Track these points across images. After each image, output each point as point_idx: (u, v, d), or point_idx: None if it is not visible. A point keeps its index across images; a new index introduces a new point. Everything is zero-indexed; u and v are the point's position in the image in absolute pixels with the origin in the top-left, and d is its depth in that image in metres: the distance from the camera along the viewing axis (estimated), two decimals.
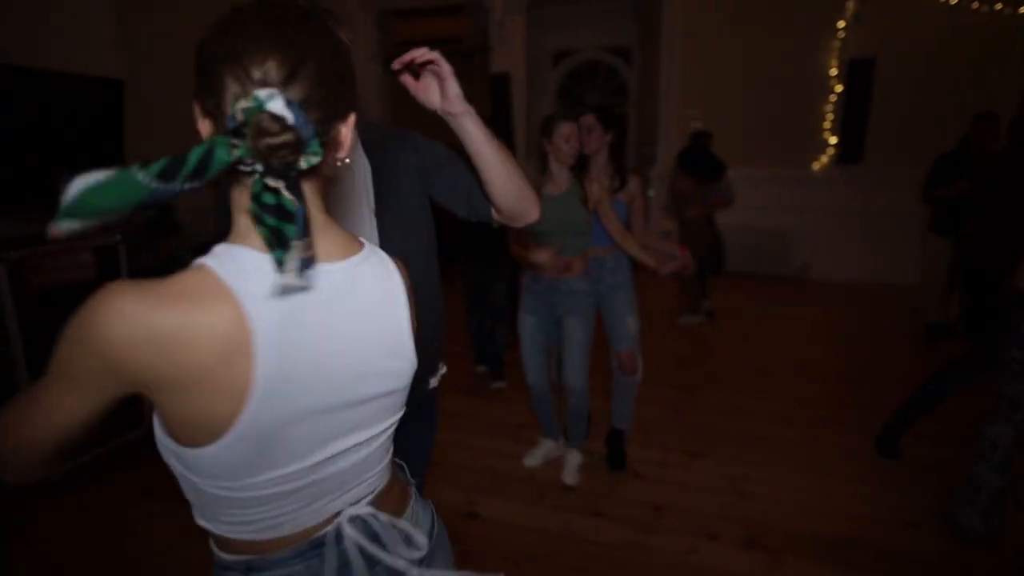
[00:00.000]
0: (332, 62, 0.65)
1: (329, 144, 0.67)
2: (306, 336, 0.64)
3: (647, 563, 2.07)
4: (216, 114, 0.61)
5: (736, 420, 3.11)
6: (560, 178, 2.36)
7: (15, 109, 3.54)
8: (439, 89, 1.04)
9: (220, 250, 0.64)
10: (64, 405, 0.61)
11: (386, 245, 1.14)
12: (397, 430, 0.84)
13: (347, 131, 0.71)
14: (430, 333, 1.22)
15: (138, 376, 0.58)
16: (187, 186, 0.54)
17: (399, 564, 0.75)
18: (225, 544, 0.72)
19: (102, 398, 0.61)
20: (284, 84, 0.60)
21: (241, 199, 0.65)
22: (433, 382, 1.45)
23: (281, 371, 0.62)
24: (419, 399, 1.31)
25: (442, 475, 2.62)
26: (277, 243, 0.57)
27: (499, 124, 6.85)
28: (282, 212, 0.57)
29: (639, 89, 7.32)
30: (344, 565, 0.73)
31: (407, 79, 1.07)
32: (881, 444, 2.69)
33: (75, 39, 4.97)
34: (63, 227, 0.52)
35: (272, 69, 0.59)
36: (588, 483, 2.58)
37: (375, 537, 0.75)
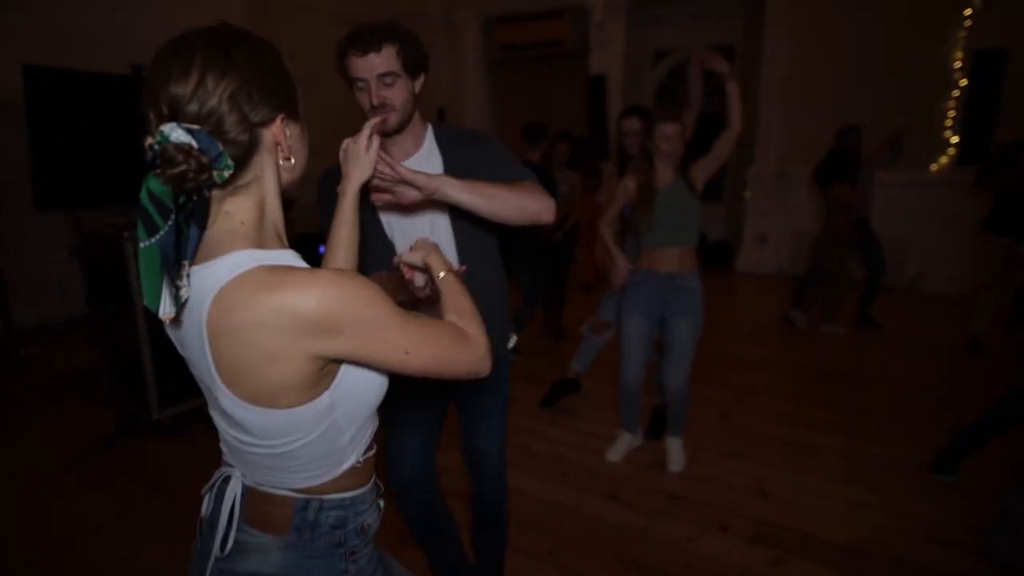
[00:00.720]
0: (239, 76, 0.70)
1: (253, 152, 0.74)
2: None
3: (647, 544, 2.16)
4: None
5: (785, 426, 3.05)
6: (664, 172, 2.48)
7: (128, 112, 4.21)
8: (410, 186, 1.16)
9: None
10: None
11: (461, 240, 1.43)
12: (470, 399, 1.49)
13: (278, 133, 0.76)
14: (496, 316, 1.43)
15: None
16: (176, 220, 0.65)
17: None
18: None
19: None
20: (184, 112, 0.67)
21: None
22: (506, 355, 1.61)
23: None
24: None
25: None
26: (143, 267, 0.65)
27: (594, 125, 6.98)
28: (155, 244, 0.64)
29: (741, 87, 7.10)
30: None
31: (386, 198, 1.20)
32: (941, 459, 2.54)
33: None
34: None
35: (172, 100, 0.67)
36: (610, 469, 2.69)
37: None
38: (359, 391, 0.81)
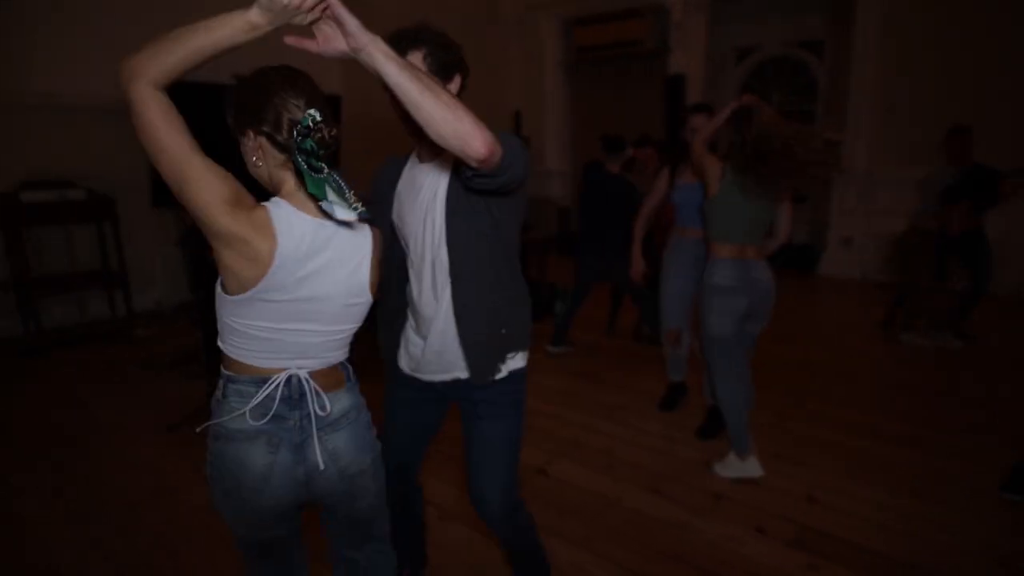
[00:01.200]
0: (323, 97, 1.12)
1: None
2: (307, 259, 1.11)
3: (683, 539, 2.20)
4: (274, 132, 1.08)
5: (849, 435, 2.96)
6: None
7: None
8: (340, 32, 0.99)
9: (276, 200, 1.12)
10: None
11: (449, 232, 1.37)
12: (474, 423, 1.49)
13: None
14: (493, 320, 1.44)
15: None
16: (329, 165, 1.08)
17: (309, 410, 1.17)
18: (224, 360, 1.19)
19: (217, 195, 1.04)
20: (312, 107, 1.07)
21: (286, 175, 1.13)
22: (503, 370, 1.49)
23: (285, 271, 1.08)
24: (485, 386, 1.48)
25: (527, 437, 2.97)
26: (324, 194, 1.04)
27: (671, 126, 6.91)
28: (327, 177, 1.06)
29: (829, 86, 6.80)
30: (285, 397, 1.16)
31: (306, 43, 1.05)
32: (1013, 478, 2.40)
33: (310, 62, 6.16)
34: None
35: (304, 103, 1.08)
36: (658, 463, 2.73)
37: (302, 393, 1.18)
38: None
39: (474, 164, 1.10)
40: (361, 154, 6.58)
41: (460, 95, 1.37)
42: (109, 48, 4.73)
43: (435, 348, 1.49)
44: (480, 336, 1.45)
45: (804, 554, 2.10)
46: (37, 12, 4.44)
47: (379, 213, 1.50)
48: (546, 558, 1.80)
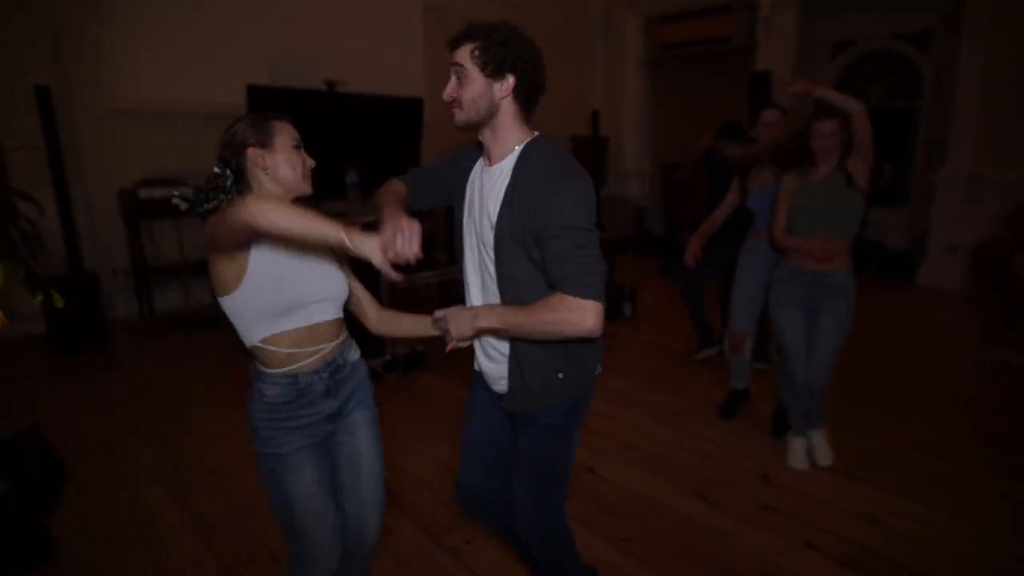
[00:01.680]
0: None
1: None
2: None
3: (726, 547, 2.17)
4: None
5: (927, 455, 2.78)
6: (822, 166, 2.53)
7: (340, 124, 4.92)
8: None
9: None
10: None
11: (498, 254, 1.34)
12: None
13: (255, 156, 1.33)
14: (541, 360, 1.38)
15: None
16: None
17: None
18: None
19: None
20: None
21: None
22: (511, 405, 1.45)
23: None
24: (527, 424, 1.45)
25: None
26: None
27: (756, 124, 6.65)
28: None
29: (935, 80, 6.30)
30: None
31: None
32: None
33: (395, 66, 6.44)
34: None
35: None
36: (709, 470, 2.69)
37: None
38: None
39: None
40: (443, 149, 6.85)
41: (521, 99, 1.35)
42: (208, 62, 5.21)
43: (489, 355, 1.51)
44: (530, 366, 1.40)
45: (857, 574, 2.02)
46: (151, 31, 4.96)
47: (442, 194, 1.57)
48: None
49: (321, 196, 4.34)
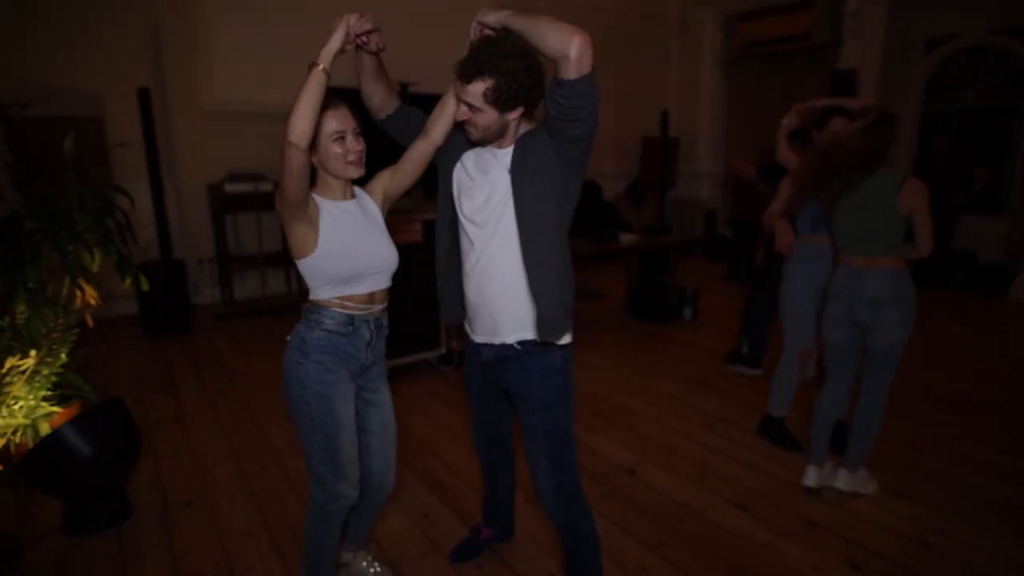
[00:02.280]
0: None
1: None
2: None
3: (763, 560, 2.12)
4: None
5: (989, 479, 2.61)
6: None
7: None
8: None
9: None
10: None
11: (519, 215, 1.50)
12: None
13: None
14: (561, 280, 1.54)
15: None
16: None
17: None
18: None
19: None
20: None
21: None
22: (560, 339, 1.60)
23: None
24: (536, 348, 1.60)
25: (622, 436, 3.02)
26: None
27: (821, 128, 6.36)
28: None
29: None
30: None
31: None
32: None
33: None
34: None
35: None
36: (752, 480, 2.63)
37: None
38: None
39: (566, 60, 1.30)
40: None
41: (529, 113, 1.52)
42: (289, 64, 5.50)
43: (490, 310, 1.62)
44: (551, 289, 1.54)
45: None
46: (238, 35, 5.31)
47: (444, 164, 1.71)
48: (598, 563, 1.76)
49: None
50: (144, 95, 4.49)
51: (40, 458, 2.16)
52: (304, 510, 2.38)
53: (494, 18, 1.44)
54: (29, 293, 2.33)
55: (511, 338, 1.62)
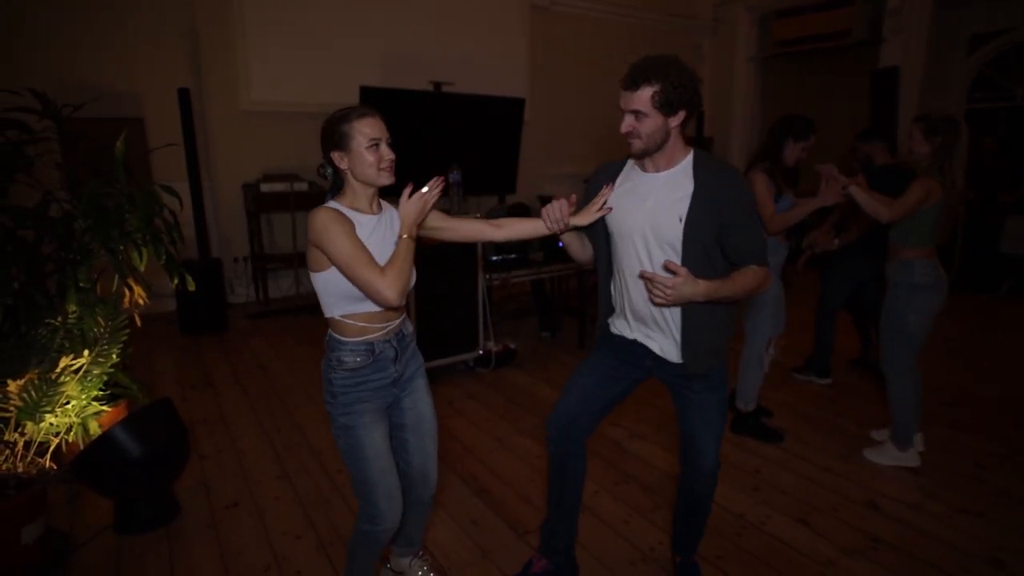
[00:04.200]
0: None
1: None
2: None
3: None
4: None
5: None
6: None
7: (444, 123, 5.06)
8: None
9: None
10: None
11: (686, 247, 1.58)
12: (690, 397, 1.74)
13: (336, 159, 1.51)
14: (707, 328, 1.65)
15: None
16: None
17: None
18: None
19: None
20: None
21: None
22: (699, 368, 1.69)
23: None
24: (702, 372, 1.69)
25: (671, 443, 2.94)
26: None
27: (879, 125, 6.20)
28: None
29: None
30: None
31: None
32: None
33: (500, 67, 6.54)
34: None
35: None
36: (810, 493, 2.54)
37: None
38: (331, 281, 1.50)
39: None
40: (540, 148, 6.90)
41: (686, 122, 1.58)
42: (325, 65, 5.51)
43: (645, 331, 1.74)
44: (700, 338, 1.66)
45: None
46: (276, 38, 5.32)
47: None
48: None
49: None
50: (184, 95, 4.52)
51: (93, 458, 2.15)
52: (349, 515, 2.36)
53: (702, 290, 1.52)
54: (80, 292, 2.33)
55: None
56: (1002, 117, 6.44)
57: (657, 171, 1.64)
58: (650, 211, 1.61)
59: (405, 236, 1.49)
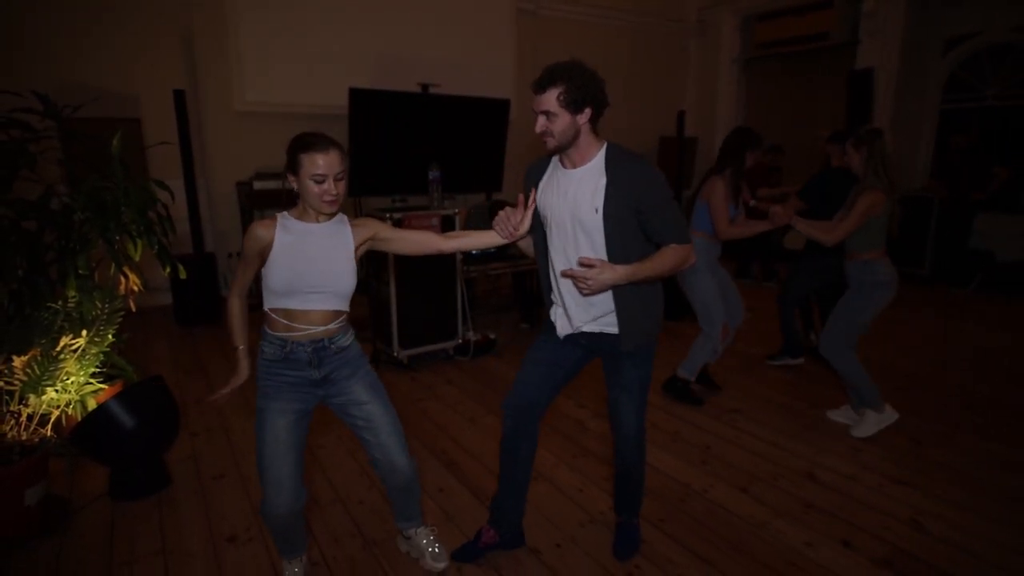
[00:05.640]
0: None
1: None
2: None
3: (758, 536, 2.24)
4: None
5: (991, 469, 2.68)
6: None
7: (432, 124, 5.25)
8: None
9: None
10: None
11: (608, 235, 1.73)
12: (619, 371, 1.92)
13: (290, 178, 1.66)
14: (637, 309, 1.83)
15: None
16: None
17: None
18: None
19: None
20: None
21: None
22: (629, 346, 1.86)
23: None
24: (618, 350, 1.87)
25: None
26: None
27: (855, 125, 6.39)
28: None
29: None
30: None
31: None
32: None
33: (486, 68, 6.71)
34: None
35: None
36: (754, 465, 2.74)
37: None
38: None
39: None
40: (527, 147, 7.09)
41: (596, 119, 1.73)
42: (316, 66, 5.70)
43: (582, 305, 1.88)
44: (629, 317, 1.83)
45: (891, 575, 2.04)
46: (269, 40, 5.53)
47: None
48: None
49: (406, 190, 4.72)
50: (179, 96, 4.73)
51: (90, 428, 2.36)
52: (326, 484, 2.57)
53: (621, 274, 1.68)
54: (79, 279, 2.53)
55: None
56: (976, 117, 6.62)
57: (574, 167, 1.78)
58: (572, 204, 1.76)
59: (239, 347, 1.84)
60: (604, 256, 1.76)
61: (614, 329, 1.88)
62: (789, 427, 3.11)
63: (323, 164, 1.58)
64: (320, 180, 1.59)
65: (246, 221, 5.62)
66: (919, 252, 6.35)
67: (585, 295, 1.79)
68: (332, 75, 5.64)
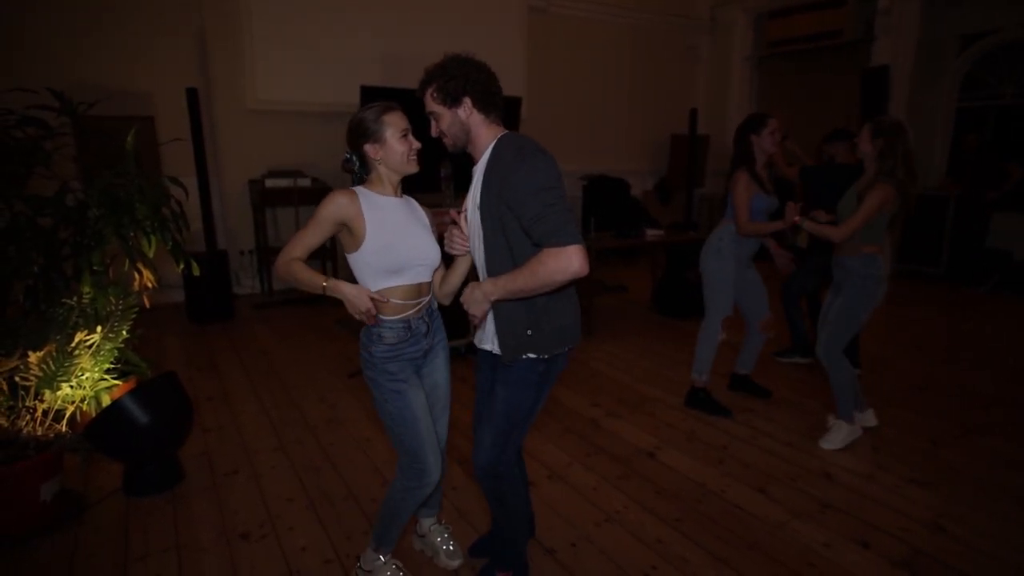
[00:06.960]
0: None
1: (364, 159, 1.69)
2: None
3: (776, 537, 2.21)
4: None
5: (1010, 472, 2.64)
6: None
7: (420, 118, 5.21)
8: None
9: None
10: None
11: (484, 233, 1.58)
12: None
13: (371, 150, 1.65)
14: (521, 314, 1.60)
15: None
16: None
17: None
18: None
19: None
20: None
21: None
22: (507, 357, 1.64)
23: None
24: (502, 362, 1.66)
25: (645, 422, 3.12)
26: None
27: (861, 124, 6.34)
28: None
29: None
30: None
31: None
32: None
33: (498, 66, 6.69)
34: None
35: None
36: (770, 465, 2.70)
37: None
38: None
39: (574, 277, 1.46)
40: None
41: (487, 110, 1.61)
42: (327, 65, 5.71)
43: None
44: (504, 330, 1.63)
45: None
46: (281, 39, 5.54)
47: None
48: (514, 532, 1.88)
49: (418, 188, 4.70)
50: (192, 94, 4.74)
51: (104, 424, 2.36)
52: (339, 481, 2.56)
53: (486, 290, 1.55)
54: (94, 275, 2.54)
55: None
56: (992, 115, 6.54)
57: (477, 162, 1.66)
58: (471, 203, 1.66)
59: (325, 284, 1.60)
60: (484, 261, 1.63)
61: (489, 346, 1.71)
62: (803, 426, 3.08)
63: (401, 119, 1.65)
64: (405, 134, 1.65)
65: (258, 219, 5.64)
66: (935, 251, 6.28)
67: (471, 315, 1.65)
68: (343, 74, 5.64)
